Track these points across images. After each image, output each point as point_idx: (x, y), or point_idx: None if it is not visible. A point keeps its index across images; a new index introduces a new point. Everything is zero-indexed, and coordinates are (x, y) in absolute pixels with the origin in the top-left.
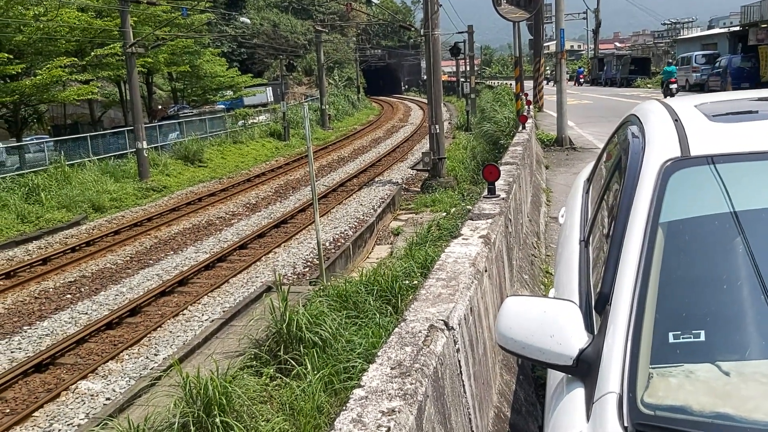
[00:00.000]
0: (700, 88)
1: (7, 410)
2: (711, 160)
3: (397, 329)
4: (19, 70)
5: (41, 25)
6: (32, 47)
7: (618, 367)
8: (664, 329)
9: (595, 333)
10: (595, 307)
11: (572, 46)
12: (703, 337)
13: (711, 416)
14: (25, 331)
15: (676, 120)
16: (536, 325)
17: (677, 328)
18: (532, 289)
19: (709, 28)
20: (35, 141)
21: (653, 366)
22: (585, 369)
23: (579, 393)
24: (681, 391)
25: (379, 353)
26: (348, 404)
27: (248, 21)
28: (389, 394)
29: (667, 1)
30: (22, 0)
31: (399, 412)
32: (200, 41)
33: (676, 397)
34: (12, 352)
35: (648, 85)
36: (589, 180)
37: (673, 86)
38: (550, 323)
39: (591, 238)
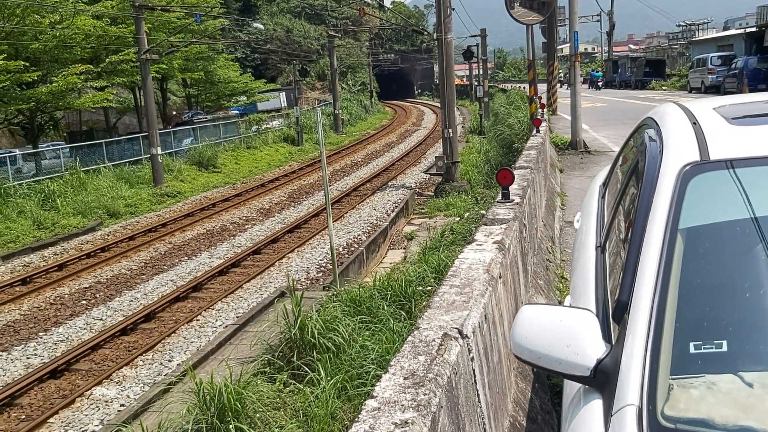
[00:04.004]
0: (716, 89)
1: (23, 416)
2: (731, 164)
3: (410, 338)
4: (35, 78)
5: (57, 33)
6: (48, 55)
7: (637, 378)
8: (685, 339)
9: (613, 342)
10: (613, 315)
11: (586, 49)
12: (724, 347)
13: (734, 429)
14: (41, 337)
15: (695, 123)
16: (552, 334)
17: (698, 338)
18: (547, 295)
19: (725, 29)
20: (51, 148)
21: (673, 377)
22: (603, 380)
23: (597, 405)
24: (702, 403)
25: (392, 362)
26: (360, 416)
27: (262, 26)
28: (402, 405)
29: (681, 2)
30: (38, 8)
31: (412, 424)
32: (214, 47)
33: (698, 409)
34: (28, 358)
35: (663, 88)
36: (605, 184)
37: (600, 83)
38: (567, 333)
39: (607, 244)
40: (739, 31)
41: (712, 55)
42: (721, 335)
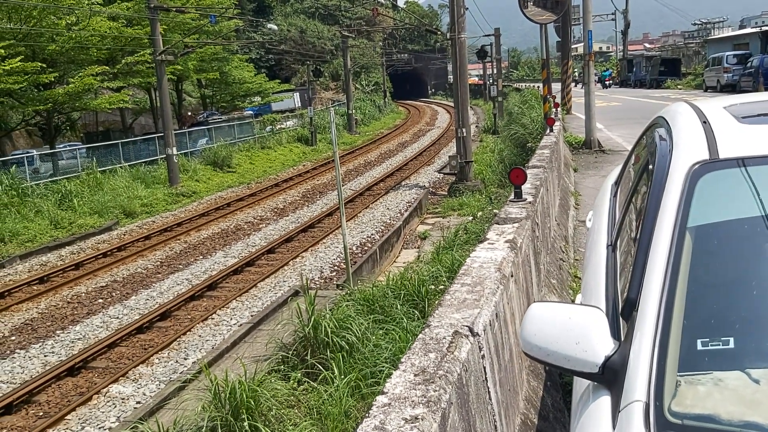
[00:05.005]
0: (732, 88)
1: (41, 413)
2: (740, 162)
3: (421, 335)
4: (52, 79)
5: (73, 35)
6: (65, 56)
7: (645, 375)
8: (692, 336)
9: (622, 339)
10: (622, 313)
11: (601, 48)
12: (732, 344)
13: (740, 425)
14: (58, 335)
15: (705, 122)
16: (561, 331)
17: (705, 335)
18: (560, 294)
19: (741, 27)
20: (68, 148)
21: (681, 374)
22: (611, 376)
23: (605, 401)
24: (709, 399)
25: (402, 359)
26: (371, 411)
27: (276, 27)
28: (412, 401)
29: (697, 1)
30: (54, 10)
31: (422, 420)
32: (229, 48)
33: (704, 405)
34: (45, 356)
35: (678, 87)
36: (617, 183)
37: (609, 83)
38: (576, 330)
39: (618, 243)
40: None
41: (727, 53)
42: (729, 332)
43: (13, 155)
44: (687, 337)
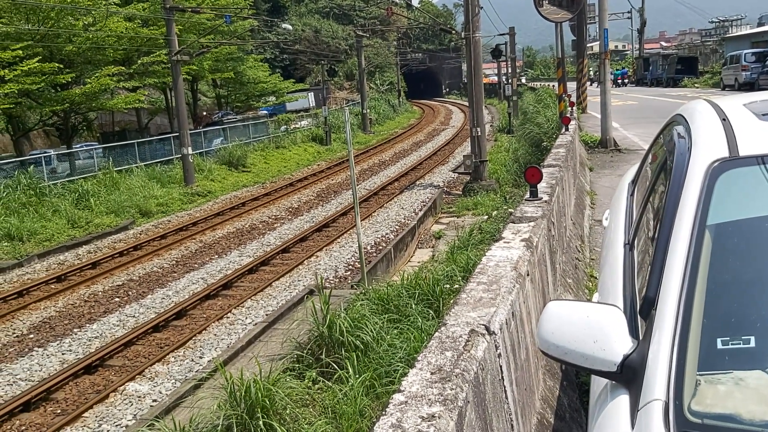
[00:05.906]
0: (750, 86)
1: (59, 411)
2: (761, 160)
3: (437, 334)
4: (69, 79)
5: (90, 35)
6: (81, 57)
7: (664, 374)
8: (712, 335)
9: (640, 338)
10: (640, 311)
11: (616, 46)
12: (753, 343)
13: (761, 425)
14: (75, 334)
15: (724, 119)
16: (579, 330)
17: (726, 334)
18: (576, 293)
19: (759, 25)
20: (85, 148)
21: (701, 373)
22: (630, 375)
23: (623, 400)
24: (730, 398)
25: (419, 358)
26: (387, 409)
27: (290, 27)
28: (429, 400)
29: None
30: (72, 11)
31: (439, 418)
32: (243, 48)
33: (725, 405)
34: (63, 354)
35: (696, 85)
36: (634, 182)
37: (625, 81)
38: (594, 328)
39: (636, 241)
40: None
41: (745, 51)
42: (749, 331)
43: (30, 155)
44: (707, 336)
